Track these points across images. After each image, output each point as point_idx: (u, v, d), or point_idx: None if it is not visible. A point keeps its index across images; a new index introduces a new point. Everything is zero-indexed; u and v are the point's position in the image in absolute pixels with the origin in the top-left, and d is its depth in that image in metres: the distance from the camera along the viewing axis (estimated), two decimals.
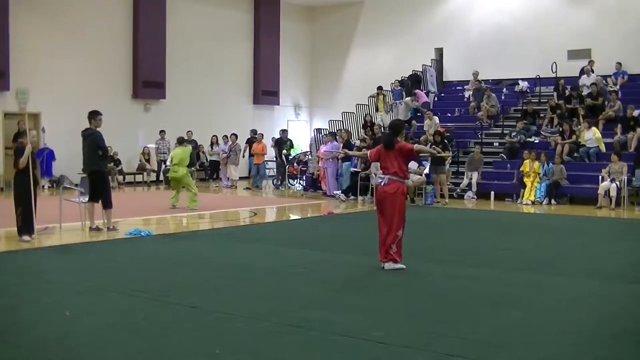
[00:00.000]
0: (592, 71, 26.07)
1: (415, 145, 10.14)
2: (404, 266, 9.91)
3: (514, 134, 24.03)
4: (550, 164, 21.33)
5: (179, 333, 6.74)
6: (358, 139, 26.12)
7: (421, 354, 6.14)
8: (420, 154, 10.15)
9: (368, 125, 26.94)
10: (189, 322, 7.13)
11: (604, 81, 25.74)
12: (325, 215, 18.35)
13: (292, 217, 19.01)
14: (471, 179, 22.47)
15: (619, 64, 26.45)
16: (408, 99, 27.22)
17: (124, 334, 6.71)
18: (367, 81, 31.02)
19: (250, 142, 28.01)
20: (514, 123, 24.95)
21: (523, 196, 21.25)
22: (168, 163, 20.33)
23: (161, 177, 27.41)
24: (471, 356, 6.08)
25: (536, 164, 21.29)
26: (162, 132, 27.39)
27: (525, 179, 21.36)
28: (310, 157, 28.14)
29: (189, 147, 19.24)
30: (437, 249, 12.49)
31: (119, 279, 9.31)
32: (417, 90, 28.40)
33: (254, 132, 28.44)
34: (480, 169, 22.72)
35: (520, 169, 21.58)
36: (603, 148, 21.89)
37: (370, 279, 9.49)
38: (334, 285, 9.02)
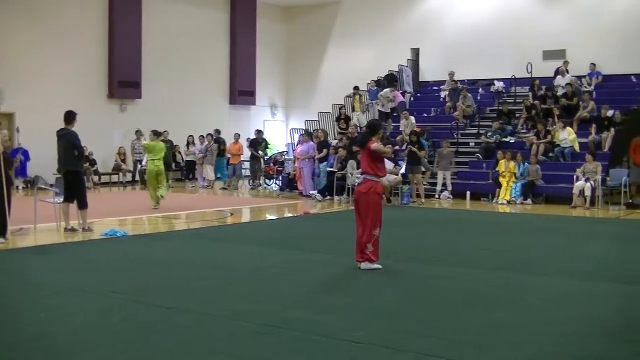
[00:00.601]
0: (567, 72, 26.23)
1: (374, 144, 10.08)
2: (380, 266, 9.90)
3: (489, 134, 24.12)
4: (526, 164, 21.44)
5: (157, 334, 6.69)
6: (335, 138, 26.11)
7: (402, 354, 6.13)
8: (378, 153, 10.08)
9: (342, 118, 27.00)
10: (167, 323, 7.09)
11: (578, 82, 25.94)
12: (302, 215, 18.34)
13: (269, 217, 18.96)
14: (445, 178, 22.49)
15: (594, 64, 26.66)
16: (387, 90, 27.07)
17: (102, 335, 6.65)
18: (343, 81, 31.05)
19: (217, 142, 27.81)
20: (490, 123, 25.04)
21: (499, 196, 21.33)
22: (145, 161, 20.17)
23: (137, 178, 27.29)
24: (452, 356, 6.07)
25: (512, 164, 21.37)
26: (138, 132, 27.24)
27: (501, 179, 21.44)
28: (286, 156, 28.25)
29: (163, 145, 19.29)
30: (417, 249, 12.50)
31: (95, 280, 9.23)
32: (397, 93, 28.44)
33: (217, 132, 28.22)
34: (451, 168, 22.71)
35: (496, 169, 21.65)
36: (577, 148, 22.00)
37: (349, 279, 9.46)
38: (313, 285, 9.00)
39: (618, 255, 11.97)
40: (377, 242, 9.96)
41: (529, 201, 20.87)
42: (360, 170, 10.46)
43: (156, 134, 19.24)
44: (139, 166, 26.79)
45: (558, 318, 7.43)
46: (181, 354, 6.10)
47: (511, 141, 23.83)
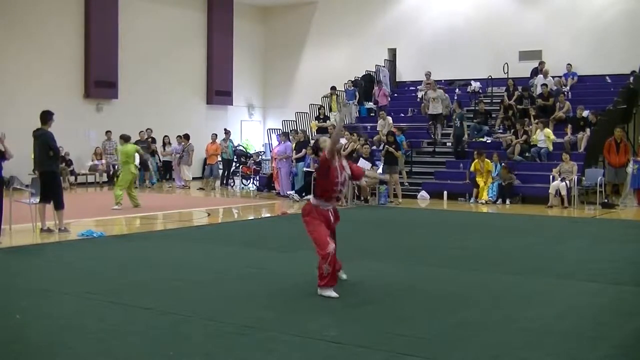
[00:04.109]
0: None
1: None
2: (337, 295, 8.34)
3: (456, 120, 24.19)
4: (501, 164, 21.46)
5: (132, 335, 6.69)
6: (313, 138, 26.12)
7: (376, 353, 6.17)
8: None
9: (320, 118, 27.01)
10: (143, 323, 7.10)
11: (562, 81, 26.21)
12: (279, 215, 18.35)
13: (246, 217, 18.95)
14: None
15: (570, 65, 26.84)
16: (435, 91, 25.90)
17: (77, 336, 6.65)
18: (320, 81, 31.11)
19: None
20: (469, 123, 24.96)
21: (476, 196, 21.35)
22: (119, 162, 20.11)
23: (114, 178, 27.23)
24: (426, 355, 6.13)
25: (488, 162, 21.34)
26: (108, 132, 27.21)
27: (477, 178, 21.43)
28: (264, 156, 28.35)
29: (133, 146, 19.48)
30: (392, 248, 12.52)
31: (71, 281, 9.20)
32: (382, 89, 28.38)
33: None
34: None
35: (471, 169, 21.63)
36: (550, 148, 22.06)
37: None
38: (287, 285, 9.02)
39: (590, 254, 12.06)
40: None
41: (507, 201, 20.87)
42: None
43: (125, 139, 19.33)
44: (115, 167, 26.86)
45: (527, 316, 7.51)
46: (156, 354, 6.10)
47: (487, 141, 23.93)
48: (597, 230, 16.02)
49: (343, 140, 23.27)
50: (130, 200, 18.64)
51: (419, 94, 28.98)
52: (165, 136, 28.28)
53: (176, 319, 7.23)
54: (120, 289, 8.66)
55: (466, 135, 23.95)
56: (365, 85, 29.63)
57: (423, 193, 22.45)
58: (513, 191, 21.18)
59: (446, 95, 26.69)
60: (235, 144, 29.91)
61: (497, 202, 20.92)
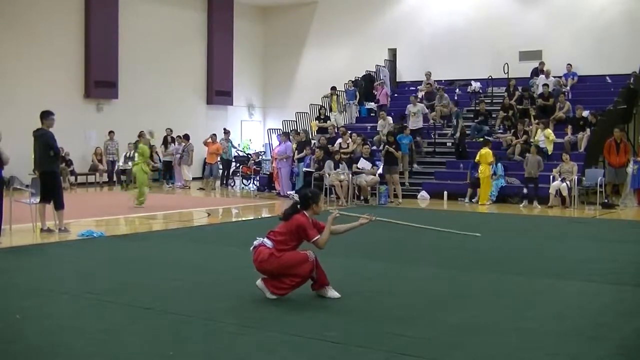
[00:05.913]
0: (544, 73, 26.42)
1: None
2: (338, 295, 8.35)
3: (453, 119, 24.29)
4: (499, 164, 21.36)
5: (132, 335, 6.70)
6: (312, 139, 26.11)
7: (377, 353, 6.17)
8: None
9: (321, 118, 26.93)
10: (143, 323, 7.10)
11: (562, 81, 26.23)
12: (280, 215, 18.31)
13: (246, 217, 18.94)
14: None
15: (570, 65, 26.84)
16: (420, 105, 25.73)
17: (77, 336, 6.65)
18: (320, 81, 31.11)
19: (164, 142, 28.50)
20: (470, 123, 24.96)
21: (471, 196, 21.19)
22: (137, 158, 19.98)
23: (114, 178, 27.27)
24: (427, 355, 6.13)
25: (490, 153, 21.05)
26: (111, 132, 27.22)
27: (480, 171, 21.11)
28: (264, 156, 28.36)
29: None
30: (393, 248, 12.52)
31: (71, 281, 9.19)
32: (384, 88, 28.34)
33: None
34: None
35: (477, 159, 21.26)
36: (550, 149, 21.97)
37: None
38: None
39: (590, 254, 12.04)
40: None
41: (535, 204, 20.40)
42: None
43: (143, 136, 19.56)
44: (117, 166, 26.90)
45: (527, 316, 7.52)
46: (156, 354, 6.10)
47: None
48: (597, 230, 16.03)
49: (340, 140, 23.32)
50: (137, 197, 18.72)
51: (419, 94, 28.96)
52: (165, 136, 28.30)
53: (176, 319, 7.23)
54: (120, 289, 8.65)
55: (458, 133, 23.87)
56: (365, 85, 29.62)
57: (423, 193, 22.42)
58: (513, 192, 21.05)
59: (446, 95, 26.70)
60: (235, 145, 29.96)
61: (522, 205, 20.57)
